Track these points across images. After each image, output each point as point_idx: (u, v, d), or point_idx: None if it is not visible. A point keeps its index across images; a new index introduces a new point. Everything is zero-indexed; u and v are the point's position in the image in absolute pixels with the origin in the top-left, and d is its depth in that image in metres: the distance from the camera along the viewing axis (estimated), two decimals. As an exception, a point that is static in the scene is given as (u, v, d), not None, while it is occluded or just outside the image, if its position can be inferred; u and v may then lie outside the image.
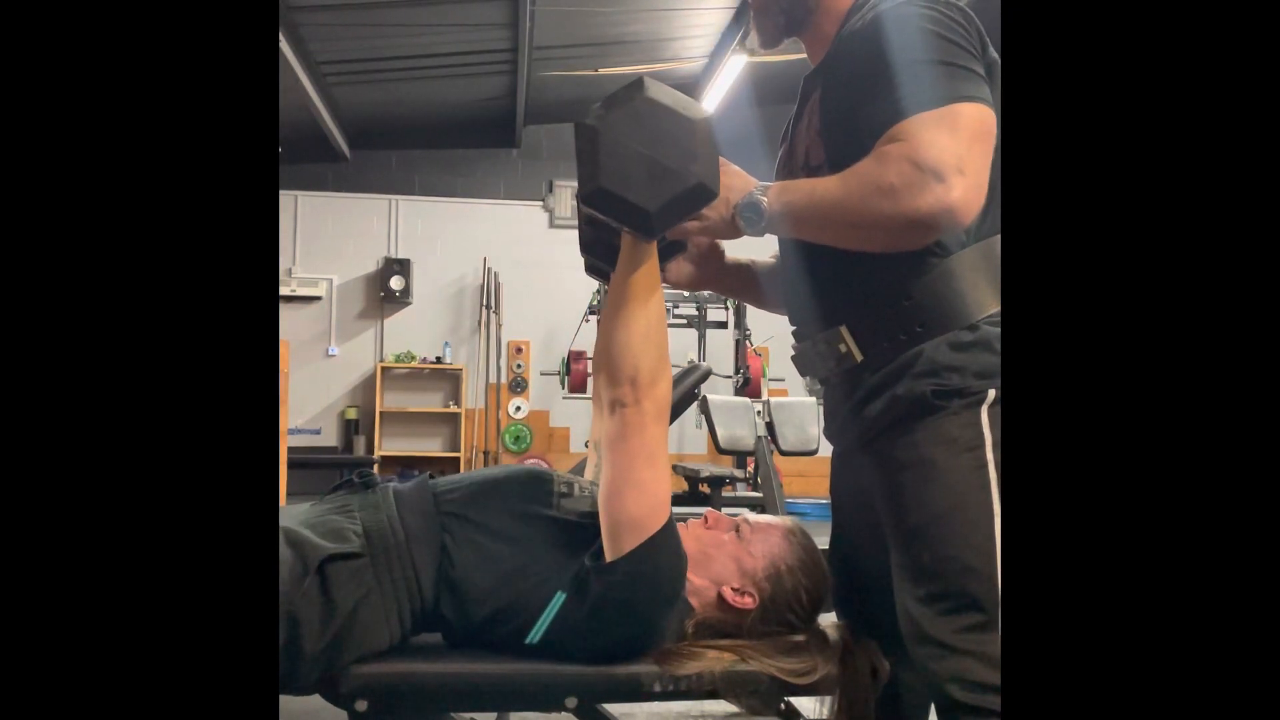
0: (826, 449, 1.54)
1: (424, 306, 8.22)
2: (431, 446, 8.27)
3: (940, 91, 1.14)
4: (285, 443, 5.56)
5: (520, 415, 8.29)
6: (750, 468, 6.44)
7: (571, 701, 1.28)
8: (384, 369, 8.13)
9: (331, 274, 8.21)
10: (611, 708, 1.40)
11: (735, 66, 6.46)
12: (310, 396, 7.98)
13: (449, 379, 8.31)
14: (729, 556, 1.38)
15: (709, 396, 5.29)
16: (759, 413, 5.36)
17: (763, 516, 1.46)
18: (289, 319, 7.91)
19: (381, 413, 8.09)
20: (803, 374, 1.44)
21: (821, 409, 1.46)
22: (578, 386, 6.95)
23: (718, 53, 6.75)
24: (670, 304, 7.06)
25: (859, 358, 1.26)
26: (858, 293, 1.25)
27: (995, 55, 1.23)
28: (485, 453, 8.25)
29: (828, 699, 1.34)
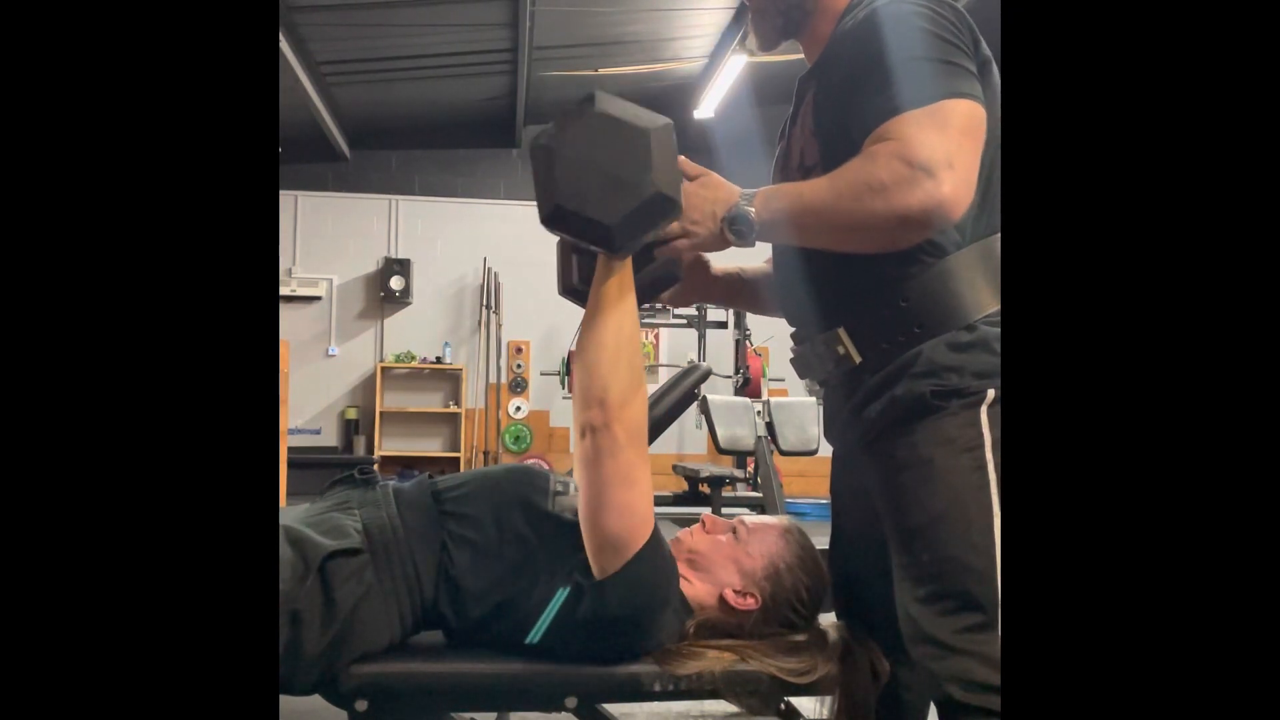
0: (826, 449, 1.54)
1: (424, 306, 8.22)
2: (431, 446, 8.27)
3: (930, 88, 1.14)
4: (285, 443, 5.56)
5: (520, 415, 8.29)
6: (750, 468, 6.44)
7: (571, 701, 1.28)
8: (384, 369, 8.13)
9: (331, 274, 8.21)
10: (611, 708, 1.40)
11: (735, 66, 6.46)
12: (310, 396, 7.98)
13: (449, 379, 8.31)
14: (728, 559, 1.38)
15: (709, 396, 5.29)
16: (759, 413, 5.36)
17: (759, 517, 1.46)
18: (289, 319, 7.91)
19: (381, 413, 8.09)
20: (802, 376, 1.43)
21: (821, 410, 1.46)
22: (578, 386, 6.93)
23: (718, 53, 6.75)
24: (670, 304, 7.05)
25: (857, 359, 1.25)
26: (855, 294, 1.25)
27: (988, 52, 1.23)
28: (485, 453, 8.25)
29: (828, 699, 1.34)
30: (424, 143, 8.22)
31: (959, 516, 1.17)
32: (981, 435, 1.18)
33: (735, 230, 1.20)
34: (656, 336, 8.07)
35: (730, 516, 1.48)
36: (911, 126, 1.12)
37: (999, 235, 1.25)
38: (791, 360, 1.41)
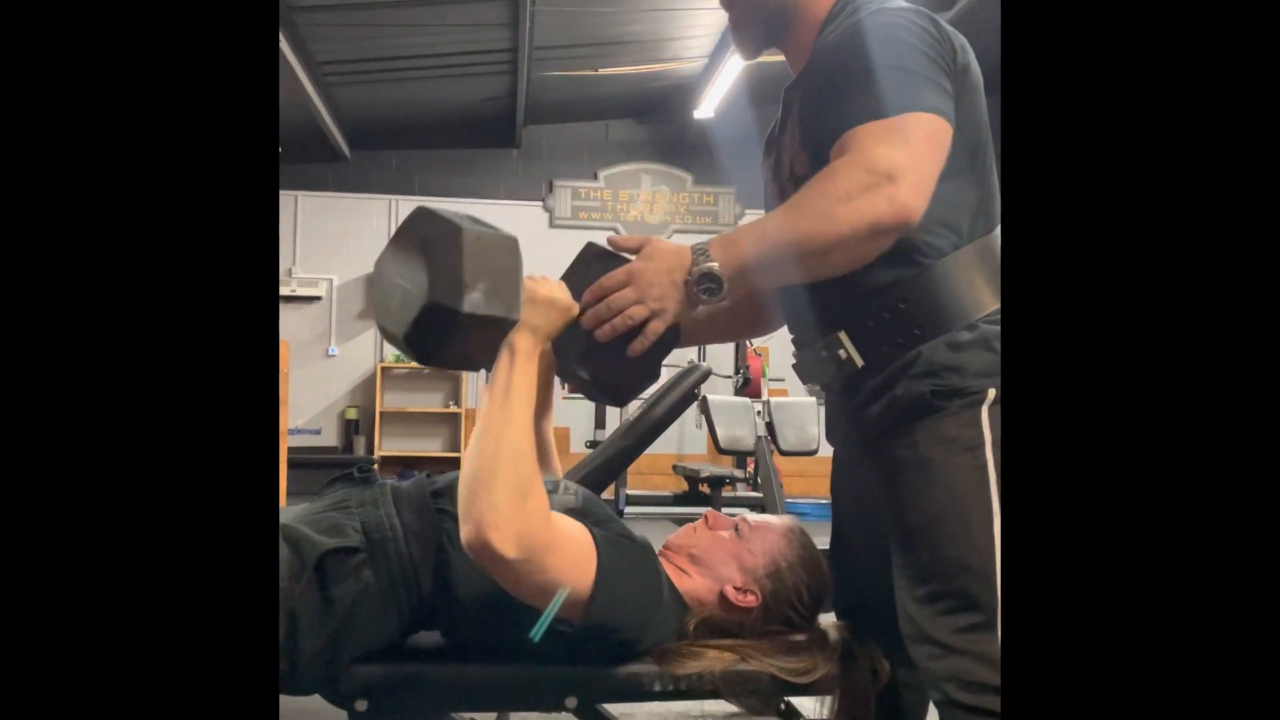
0: (826, 449, 1.54)
1: (424, 306, 8.22)
2: (431, 446, 8.27)
3: (894, 101, 1.14)
4: (285, 443, 5.56)
5: (520, 415, 8.28)
6: (750, 468, 6.44)
7: (571, 701, 1.28)
8: (384, 369, 8.13)
9: (331, 274, 8.21)
10: (611, 708, 1.40)
11: (735, 66, 6.45)
12: (310, 396, 7.98)
13: (449, 379, 8.31)
14: (729, 555, 1.38)
15: (709, 396, 5.29)
16: (759, 413, 5.36)
17: (761, 516, 1.46)
18: (289, 319, 7.91)
19: (381, 413, 8.09)
20: (804, 381, 1.42)
21: (822, 412, 1.45)
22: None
23: (718, 53, 6.75)
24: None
25: (860, 363, 1.25)
26: (854, 298, 1.24)
27: (970, 63, 1.23)
28: (485, 453, 8.23)
29: (828, 699, 1.34)
30: (424, 143, 8.22)
31: (958, 516, 1.17)
32: (982, 435, 1.18)
33: (705, 290, 1.14)
34: (656, 336, 8.08)
35: (732, 515, 1.48)
36: (871, 137, 1.13)
37: (997, 233, 1.25)
38: (794, 366, 1.41)
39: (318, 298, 8.16)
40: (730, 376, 6.70)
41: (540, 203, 8.40)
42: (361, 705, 1.24)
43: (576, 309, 1.20)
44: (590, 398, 1.30)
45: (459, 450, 8.17)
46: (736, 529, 1.42)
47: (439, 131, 8.14)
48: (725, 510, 1.49)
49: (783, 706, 1.57)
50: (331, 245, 8.16)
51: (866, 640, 1.35)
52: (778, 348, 7.43)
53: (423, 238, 1.12)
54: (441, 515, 1.32)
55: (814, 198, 1.13)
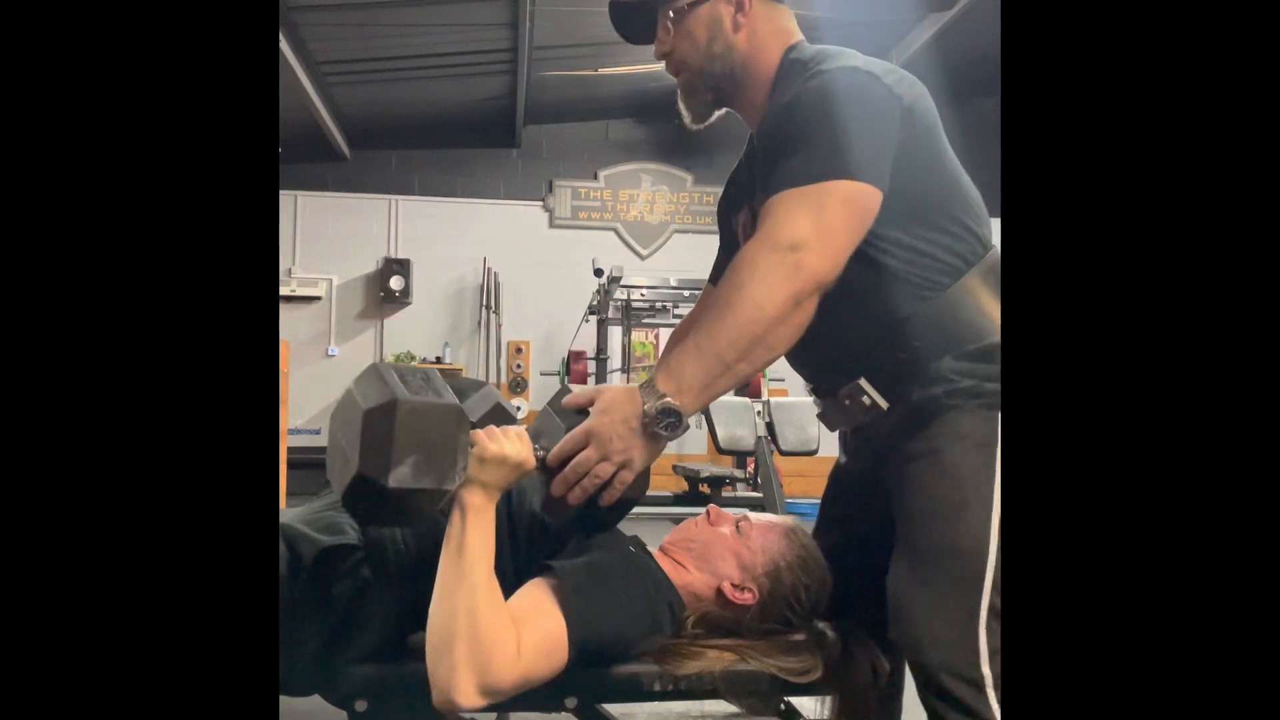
0: (826, 449, 1.54)
1: (424, 306, 8.22)
2: (431, 446, 8.25)
3: (815, 168, 1.16)
4: (285, 443, 5.56)
5: (520, 415, 8.29)
6: (750, 468, 6.44)
7: (571, 701, 1.28)
8: (384, 369, 8.12)
9: (331, 274, 8.21)
10: (611, 708, 1.40)
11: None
12: (310, 396, 7.97)
13: (448, 379, 8.30)
14: (729, 552, 1.38)
15: (709, 396, 5.27)
16: (759, 413, 5.36)
17: (763, 515, 1.46)
18: (289, 319, 7.91)
19: (381, 413, 8.07)
20: (832, 429, 1.43)
21: (839, 442, 1.46)
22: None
23: (718, 53, 6.73)
24: (670, 303, 7.06)
25: (884, 406, 1.27)
26: (868, 344, 1.26)
27: (916, 106, 1.24)
28: (485, 452, 8.24)
29: (828, 699, 1.34)
30: (424, 143, 8.22)
31: (958, 501, 1.18)
32: (996, 434, 1.19)
33: (666, 427, 1.15)
34: (656, 337, 8.07)
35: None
36: (785, 207, 1.16)
37: (996, 250, 1.27)
38: (819, 415, 1.41)
39: (317, 298, 8.15)
40: (730, 376, 6.68)
41: (540, 202, 8.40)
42: (361, 705, 1.24)
43: (531, 462, 1.19)
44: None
45: (459, 450, 8.16)
46: (737, 526, 1.42)
47: (439, 131, 8.13)
48: (726, 510, 1.49)
49: (782, 706, 1.57)
50: (331, 245, 8.16)
51: (866, 640, 1.35)
52: (778, 348, 7.42)
53: (365, 400, 1.10)
54: (442, 514, 1.31)
55: (734, 290, 1.14)
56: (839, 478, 1.49)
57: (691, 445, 8.16)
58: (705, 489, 5.85)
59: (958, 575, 1.17)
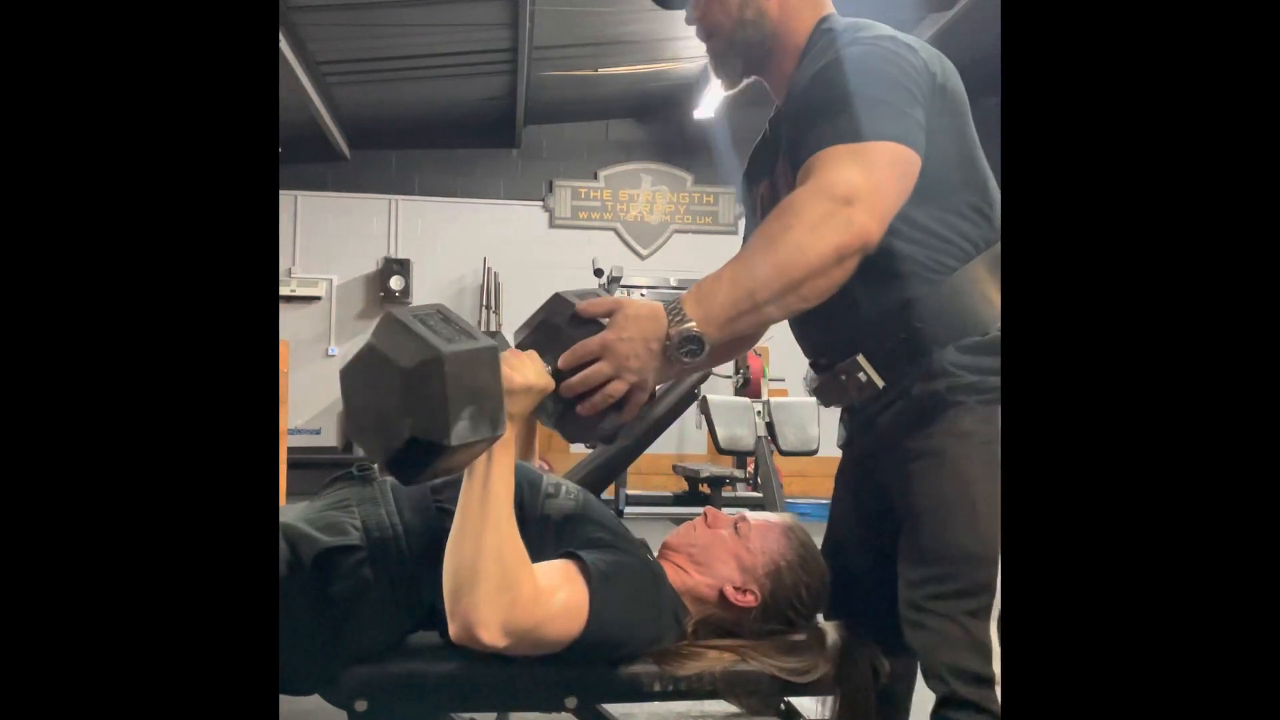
0: (826, 449, 1.54)
1: (424, 306, 8.22)
2: (431, 446, 8.25)
3: (861, 128, 1.15)
4: (285, 443, 5.56)
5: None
6: (750, 468, 6.44)
7: (571, 701, 1.28)
8: (384, 369, 8.12)
9: (331, 274, 8.21)
10: (611, 708, 1.40)
11: (735, 66, 6.44)
12: (310, 396, 7.97)
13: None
14: (729, 554, 1.38)
15: (709, 396, 5.28)
16: (759, 413, 5.36)
17: (761, 514, 1.46)
18: (289, 319, 7.91)
19: (381, 413, 8.07)
20: (827, 405, 1.41)
21: (823, 412, 1.46)
22: (577, 386, 6.93)
23: (718, 53, 6.73)
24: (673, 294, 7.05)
25: (880, 385, 1.26)
26: (869, 322, 1.26)
27: (949, 84, 1.24)
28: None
29: (828, 699, 1.34)
30: (424, 143, 8.22)
31: (966, 503, 1.18)
32: (998, 431, 1.19)
33: (687, 353, 1.11)
34: (656, 336, 8.08)
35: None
36: (833, 161, 1.14)
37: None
38: (814, 390, 1.41)
39: (317, 298, 8.15)
40: (730, 376, 6.70)
41: (540, 202, 8.40)
42: (361, 705, 1.24)
43: (552, 385, 1.15)
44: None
45: (459, 450, 8.17)
46: (736, 527, 1.42)
47: (439, 131, 8.13)
48: (725, 510, 1.49)
49: (783, 706, 1.57)
50: (331, 245, 8.16)
51: (866, 639, 1.35)
52: (778, 348, 7.42)
53: (402, 358, 1.03)
54: (441, 514, 1.31)
55: (778, 231, 1.12)
56: (843, 476, 1.49)
57: (691, 445, 8.16)
58: (705, 489, 5.85)
59: (968, 578, 1.17)
